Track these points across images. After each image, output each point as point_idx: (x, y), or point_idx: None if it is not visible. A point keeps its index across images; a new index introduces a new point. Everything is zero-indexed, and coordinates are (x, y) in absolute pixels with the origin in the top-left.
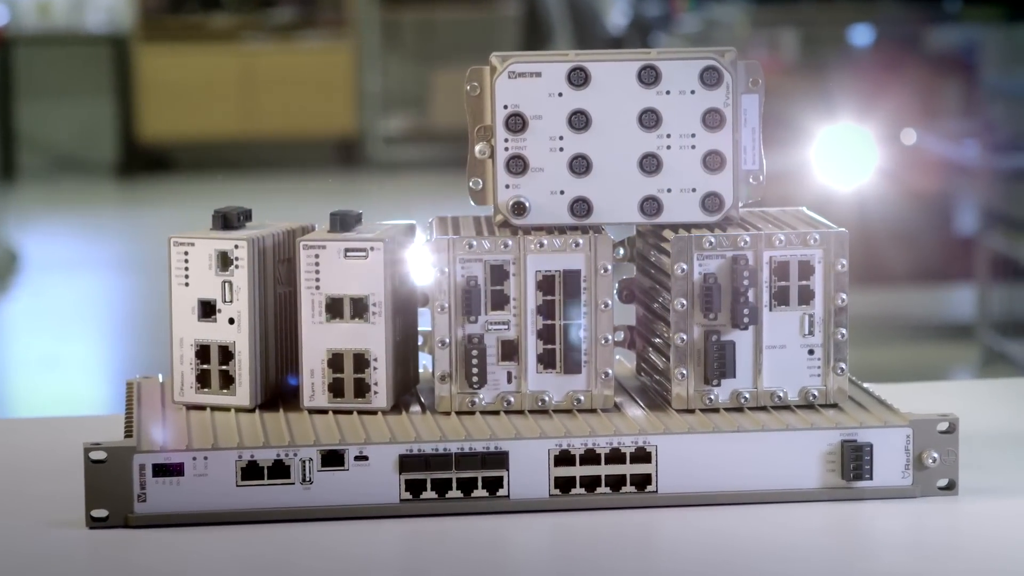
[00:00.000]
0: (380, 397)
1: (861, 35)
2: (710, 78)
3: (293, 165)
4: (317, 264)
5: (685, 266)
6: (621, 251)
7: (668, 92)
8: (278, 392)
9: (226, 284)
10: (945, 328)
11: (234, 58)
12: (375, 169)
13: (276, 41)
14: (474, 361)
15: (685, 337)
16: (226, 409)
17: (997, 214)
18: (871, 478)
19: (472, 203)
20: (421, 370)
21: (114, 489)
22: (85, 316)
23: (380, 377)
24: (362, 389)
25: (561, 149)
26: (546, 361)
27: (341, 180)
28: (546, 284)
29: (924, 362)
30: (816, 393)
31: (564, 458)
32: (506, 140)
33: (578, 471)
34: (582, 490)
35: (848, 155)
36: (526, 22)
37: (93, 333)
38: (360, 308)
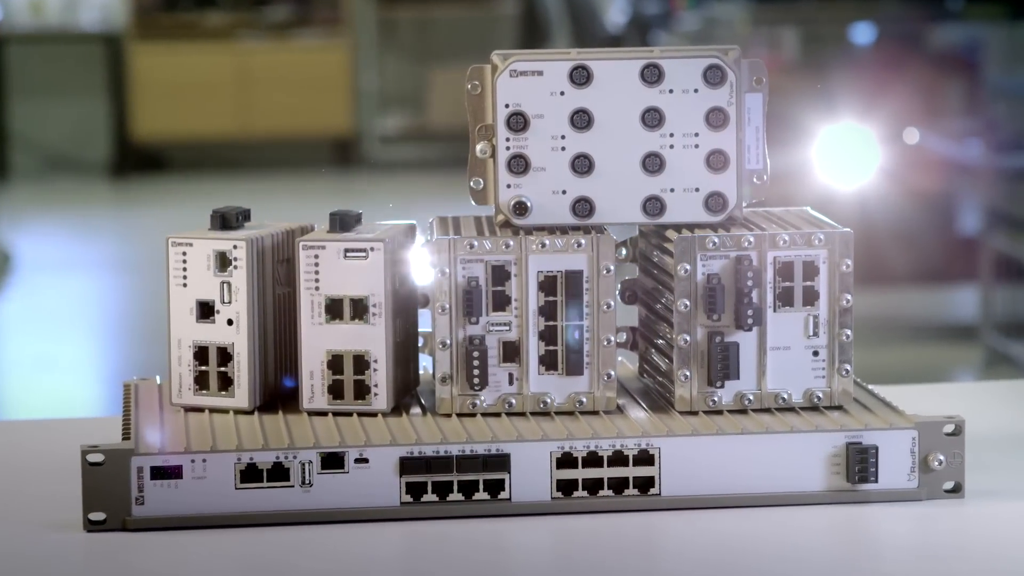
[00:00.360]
0: (380, 399)
1: (862, 33)
2: (713, 77)
3: (288, 165)
4: (316, 264)
5: (688, 267)
6: (623, 251)
7: (671, 91)
8: (276, 394)
9: (225, 285)
10: (948, 329)
11: (229, 57)
12: (372, 169)
13: (271, 39)
14: (475, 363)
15: (688, 338)
16: (225, 411)
17: (1000, 214)
18: (876, 481)
19: (473, 203)
20: (421, 372)
21: (112, 492)
22: (79, 317)
23: (380, 379)
24: (362, 391)
25: (563, 148)
26: (548, 363)
27: (337, 180)
28: (548, 285)
29: (926, 364)
30: (821, 395)
31: (566, 460)
32: (507, 139)
33: (580, 474)
34: (584, 493)
35: (849, 155)
36: (524, 20)
37: (87, 335)
38: (360, 309)
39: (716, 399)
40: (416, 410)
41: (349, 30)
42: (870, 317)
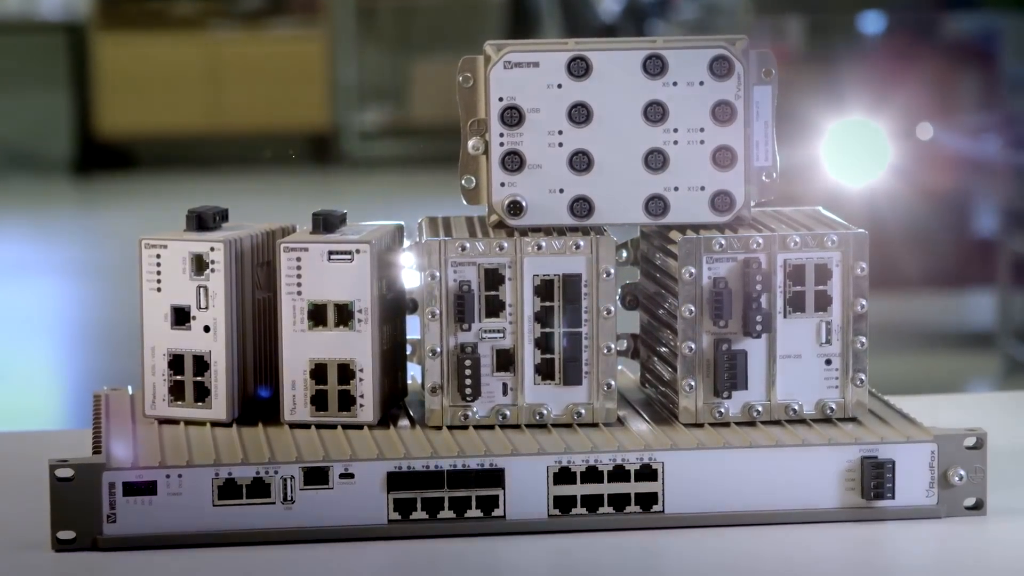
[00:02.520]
0: (366, 410)
1: (872, 22)
2: (720, 68)
3: (262, 162)
4: (299, 268)
5: (693, 270)
6: (624, 253)
7: (675, 83)
8: (255, 405)
9: (201, 289)
10: (963, 336)
11: (199, 47)
12: (351, 166)
13: (244, 29)
14: (467, 372)
15: (693, 346)
16: (201, 423)
17: (1018, 214)
18: (893, 497)
19: (464, 202)
20: (410, 381)
21: (82, 509)
22: (42, 324)
23: (366, 389)
24: (347, 402)
25: (560, 144)
26: (544, 372)
27: (314, 178)
28: (544, 289)
29: (941, 373)
30: (834, 406)
31: (564, 476)
32: (501, 135)
33: (579, 489)
34: (583, 510)
35: (859, 151)
36: (512, 8)
37: (52, 342)
38: (345, 315)
39: (723, 410)
40: (404, 422)
41: (326, 19)
42: (881, 323)
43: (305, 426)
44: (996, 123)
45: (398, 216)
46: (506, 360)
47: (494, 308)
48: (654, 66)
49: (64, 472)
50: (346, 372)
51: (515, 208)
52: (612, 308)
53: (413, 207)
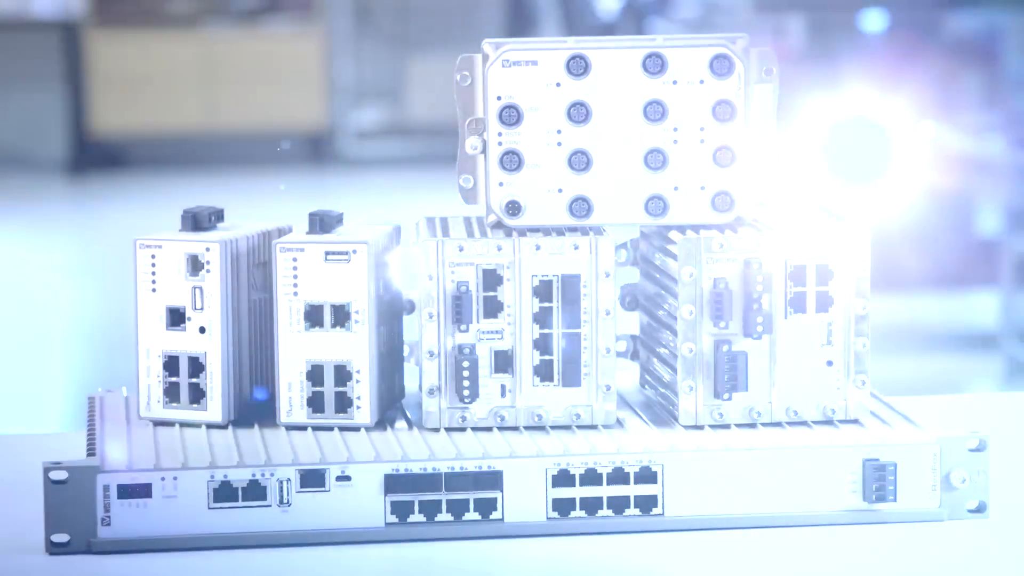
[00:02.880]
0: (363, 412)
1: (873, 21)
2: (721, 67)
3: (257, 162)
4: (295, 268)
5: (693, 270)
6: (624, 254)
7: (675, 82)
8: (251, 407)
9: (196, 290)
10: (966, 337)
11: (194, 45)
12: (347, 165)
13: (240, 27)
14: (465, 373)
15: (693, 347)
16: (197, 425)
17: (1022, 214)
18: (895, 500)
19: (462, 202)
20: (407, 383)
21: (76, 512)
22: (36, 326)
23: (363, 391)
24: (344, 403)
25: (559, 144)
26: (543, 373)
27: (311, 178)
28: (543, 290)
29: (943, 374)
30: (835, 408)
31: (563, 478)
32: (500, 134)
33: (578, 492)
34: (582, 513)
35: (861, 151)
36: (510, 6)
37: (45, 344)
38: (342, 316)
39: (723, 412)
40: (401, 424)
41: (323, 17)
42: (883, 324)
43: (301, 428)
44: (999, 122)
45: (395, 216)
46: (504, 361)
47: (492, 309)
48: (654, 65)
49: (58, 475)
50: (343, 373)
51: (513, 208)
52: (611, 309)
53: (411, 207)
